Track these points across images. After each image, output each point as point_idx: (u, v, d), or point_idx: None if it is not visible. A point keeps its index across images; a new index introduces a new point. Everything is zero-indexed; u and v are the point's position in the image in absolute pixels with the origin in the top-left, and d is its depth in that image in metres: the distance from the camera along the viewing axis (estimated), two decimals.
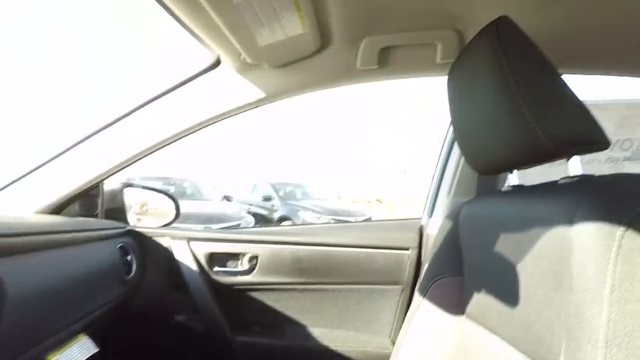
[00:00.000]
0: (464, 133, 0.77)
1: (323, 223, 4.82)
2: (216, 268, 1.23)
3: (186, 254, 1.20)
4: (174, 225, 1.38)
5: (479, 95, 0.68)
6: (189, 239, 1.22)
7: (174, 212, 1.42)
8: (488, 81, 0.64)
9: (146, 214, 1.65)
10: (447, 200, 1.20)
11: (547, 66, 0.61)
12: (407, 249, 1.23)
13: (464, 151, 0.80)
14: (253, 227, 2.42)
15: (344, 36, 0.93)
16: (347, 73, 1.02)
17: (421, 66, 1.02)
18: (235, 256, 1.24)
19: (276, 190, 7.46)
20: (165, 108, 1.06)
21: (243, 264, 1.24)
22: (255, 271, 1.23)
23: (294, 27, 0.83)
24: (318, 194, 8.03)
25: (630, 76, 1.10)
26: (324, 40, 0.93)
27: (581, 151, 0.60)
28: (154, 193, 1.53)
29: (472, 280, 0.80)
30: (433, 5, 0.85)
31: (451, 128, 1.24)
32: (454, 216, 0.88)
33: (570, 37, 0.94)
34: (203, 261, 1.21)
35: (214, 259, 1.23)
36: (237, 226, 5.52)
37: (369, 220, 6.87)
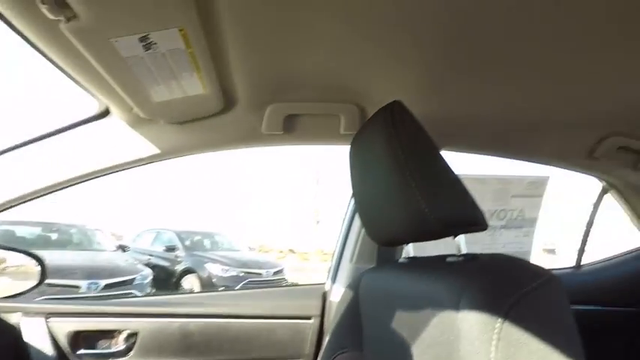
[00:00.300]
0: (363, 204, 0.79)
1: (218, 291, 4.53)
2: (81, 351, 1.01)
3: (42, 334, 0.97)
4: (40, 290, 1.13)
5: (376, 171, 0.70)
6: (48, 314, 0.99)
7: (38, 275, 1.16)
8: (383, 159, 0.66)
9: (3, 275, 1.34)
10: (349, 266, 1.19)
11: (434, 149, 0.66)
12: (309, 318, 1.17)
13: (363, 222, 0.81)
14: (135, 298, 2.11)
15: (249, 101, 0.92)
16: (251, 137, 1.00)
17: (326, 135, 1.04)
18: (109, 334, 1.04)
19: (182, 240, 6.89)
20: (38, 156, 0.90)
21: (119, 343, 1.04)
22: (133, 351, 1.04)
23: (193, 87, 0.78)
24: (229, 244, 7.63)
25: (502, 157, 1.28)
26: (227, 103, 0.90)
27: (465, 232, 0.65)
28: (10, 252, 1.25)
29: (372, 358, 0.78)
30: (336, 81, 0.89)
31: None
32: (354, 286, 0.87)
33: (453, 120, 1.06)
34: (64, 342, 0.99)
35: (80, 338, 1.01)
36: (132, 281, 4.88)
37: (280, 271, 6.69)
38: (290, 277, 7.03)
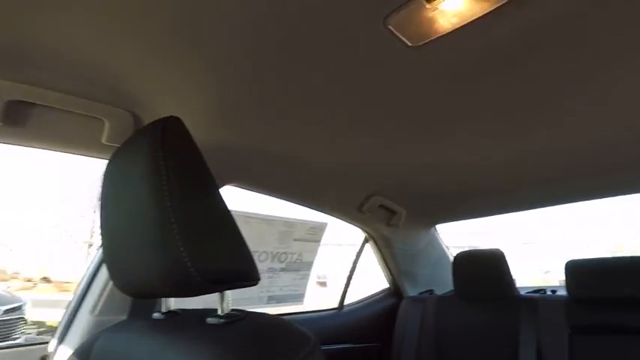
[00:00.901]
0: (110, 242, 0.60)
1: None
2: None
3: None
4: None
5: (131, 201, 0.53)
6: None
7: None
8: (142, 187, 0.50)
9: None
10: (88, 319, 0.90)
11: (210, 183, 0.54)
12: None
13: (108, 264, 0.62)
14: None
15: None
16: None
17: (79, 141, 0.78)
18: None
19: None
20: None
21: None
22: None
23: None
24: None
25: (288, 201, 1.31)
26: None
27: (233, 287, 0.56)
28: None
29: None
30: (104, 75, 0.68)
31: None
32: (85, 350, 0.64)
33: (243, 155, 1.00)
34: None
35: None
36: None
37: (18, 308, 5.03)
38: (35, 314, 5.40)
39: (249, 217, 1.19)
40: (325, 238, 1.53)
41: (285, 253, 1.40)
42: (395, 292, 1.82)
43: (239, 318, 0.54)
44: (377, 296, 1.82)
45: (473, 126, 0.94)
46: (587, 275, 1.22)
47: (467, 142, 1.04)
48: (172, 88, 0.72)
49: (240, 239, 0.56)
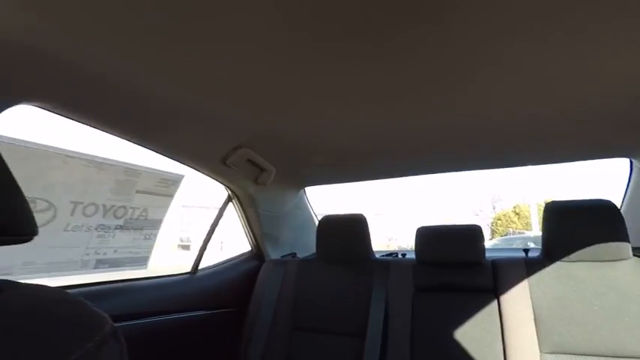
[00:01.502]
0: None
1: None
2: None
3: None
4: None
5: None
6: None
7: None
8: None
9: None
10: None
11: None
12: None
13: None
14: None
15: None
16: None
17: None
18: None
19: None
20: None
21: None
22: None
23: None
24: None
25: (128, 140, 1.03)
26: None
27: None
28: None
29: None
30: None
31: None
32: None
33: (52, 65, 0.70)
34: None
35: None
36: None
37: None
38: None
39: (69, 156, 0.88)
40: (191, 200, 1.30)
41: (123, 207, 1.13)
42: (257, 255, 1.72)
43: None
44: (237, 259, 1.69)
45: (349, 85, 0.86)
46: (429, 240, 1.33)
47: (342, 102, 0.96)
48: None
49: (5, 179, 0.34)
